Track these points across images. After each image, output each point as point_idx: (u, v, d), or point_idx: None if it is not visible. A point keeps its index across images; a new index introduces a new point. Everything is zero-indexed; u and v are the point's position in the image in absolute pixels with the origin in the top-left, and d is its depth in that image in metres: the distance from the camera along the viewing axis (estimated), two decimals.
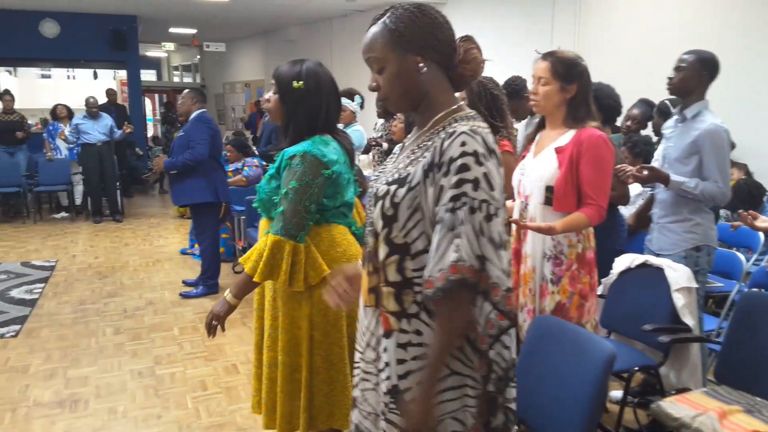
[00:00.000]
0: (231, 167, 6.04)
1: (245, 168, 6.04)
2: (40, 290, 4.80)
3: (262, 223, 2.10)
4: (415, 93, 1.34)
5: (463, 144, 1.23)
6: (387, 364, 1.32)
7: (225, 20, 10.84)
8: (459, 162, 1.22)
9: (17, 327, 4.00)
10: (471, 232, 1.19)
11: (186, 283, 5.02)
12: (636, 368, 2.47)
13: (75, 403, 3.05)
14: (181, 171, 4.53)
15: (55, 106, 8.44)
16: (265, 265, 1.91)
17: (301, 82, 1.97)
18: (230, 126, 13.90)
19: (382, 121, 6.20)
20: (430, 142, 1.30)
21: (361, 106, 4.76)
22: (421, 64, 1.30)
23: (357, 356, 1.48)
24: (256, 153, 6.68)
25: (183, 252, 6.15)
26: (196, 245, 6.09)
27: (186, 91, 4.72)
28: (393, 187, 1.30)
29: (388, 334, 1.33)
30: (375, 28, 1.33)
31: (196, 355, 3.68)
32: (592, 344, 1.86)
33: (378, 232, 1.32)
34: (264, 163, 6.24)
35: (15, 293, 4.71)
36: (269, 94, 2.11)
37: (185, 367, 3.50)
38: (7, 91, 8.24)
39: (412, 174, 1.28)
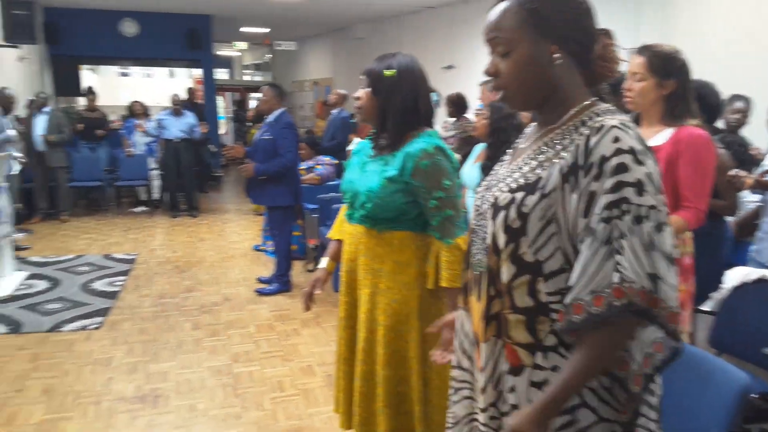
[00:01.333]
0: (304, 165, 6.03)
1: (318, 166, 6.02)
2: (121, 283, 4.92)
3: (356, 231, 1.97)
4: (541, 86, 1.14)
5: (617, 140, 1.03)
6: (515, 407, 1.13)
7: (296, 19, 10.93)
8: (614, 162, 1.02)
9: (100, 319, 4.09)
10: (639, 245, 0.99)
11: (260, 280, 5.03)
12: (756, 395, 2.23)
13: (156, 399, 3.06)
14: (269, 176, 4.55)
15: (133, 103, 8.73)
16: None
17: (392, 70, 1.87)
18: (299, 124, 14.04)
19: (453, 119, 6.06)
20: (565, 141, 1.11)
21: (437, 104, 4.64)
22: (556, 54, 1.11)
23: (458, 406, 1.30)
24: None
25: (256, 248, 6.19)
26: (269, 242, 6.14)
27: (267, 87, 4.71)
28: (519, 195, 1.11)
29: (516, 371, 1.13)
30: (507, 3, 1.14)
31: (273, 354, 3.64)
32: (722, 373, 1.65)
33: (500, 248, 1.13)
34: (335, 160, 6.20)
35: (98, 285, 4.84)
36: (360, 91, 1.99)
37: (262, 366, 3.47)
38: (90, 89, 8.58)
39: (544, 178, 1.09)
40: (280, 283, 4.80)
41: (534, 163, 1.14)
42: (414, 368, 1.89)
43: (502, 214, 1.13)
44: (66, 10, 9.92)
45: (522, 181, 1.13)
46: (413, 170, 1.81)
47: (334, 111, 6.96)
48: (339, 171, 5.91)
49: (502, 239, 1.13)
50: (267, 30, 12.29)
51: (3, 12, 7.29)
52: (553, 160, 1.11)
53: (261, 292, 4.74)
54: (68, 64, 10.34)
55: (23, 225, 7.04)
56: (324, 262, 2.15)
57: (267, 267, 5.50)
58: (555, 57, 1.12)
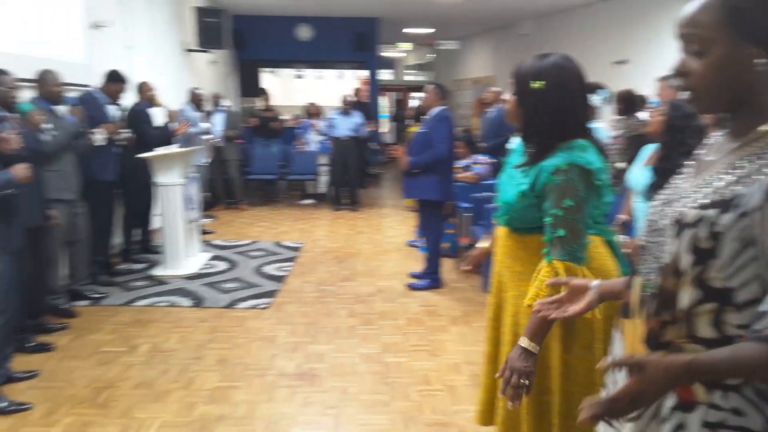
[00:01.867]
0: (460, 164, 6.03)
1: (474, 165, 5.99)
2: (288, 268, 5.31)
3: (501, 233, 1.94)
4: (736, 92, 1.02)
5: None
6: None
7: (459, 18, 10.95)
8: None
9: (269, 300, 4.46)
10: None
11: (412, 275, 5.13)
12: None
13: (313, 378, 3.27)
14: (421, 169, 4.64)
15: (308, 105, 9.36)
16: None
17: (541, 82, 1.72)
18: (458, 123, 14.06)
19: (621, 117, 5.65)
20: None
21: (606, 101, 4.38)
22: (758, 60, 0.98)
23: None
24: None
25: (410, 244, 6.33)
26: (421, 238, 6.24)
27: (430, 86, 4.80)
28: (712, 212, 0.99)
29: (687, 407, 1.03)
30: None
31: (420, 348, 3.70)
32: None
33: (682, 270, 1.02)
34: (492, 159, 6.12)
35: (268, 269, 5.27)
36: (508, 95, 1.93)
37: (410, 359, 3.54)
38: (263, 90, 9.40)
39: (745, 196, 0.97)
40: (431, 279, 4.86)
41: (730, 177, 1.02)
42: (555, 379, 1.81)
43: (689, 233, 1.02)
44: (251, 18, 10.93)
45: (715, 197, 1.02)
46: (543, 186, 1.72)
47: (491, 110, 6.87)
48: (496, 170, 5.82)
49: (686, 260, 1.02)
50: (430, 30, 12.48)
51: (197, 20, 8.22)
52: (754, 176, 0.98)
53: (412, 287, 4.84)
54: (251, 67, 11.40)
55: (209, 212, 7.90)
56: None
57: (419, 262, 5.59)
58: (756, 63, 0.99)
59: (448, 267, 5.23)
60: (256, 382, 3.20)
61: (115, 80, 4.72)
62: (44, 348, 3.50)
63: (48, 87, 3.80)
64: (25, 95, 3.91)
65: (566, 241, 1.69)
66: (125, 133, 4.71)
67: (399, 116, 15.10)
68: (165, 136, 5.29)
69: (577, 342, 1.76)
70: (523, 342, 1.64)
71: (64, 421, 2.77)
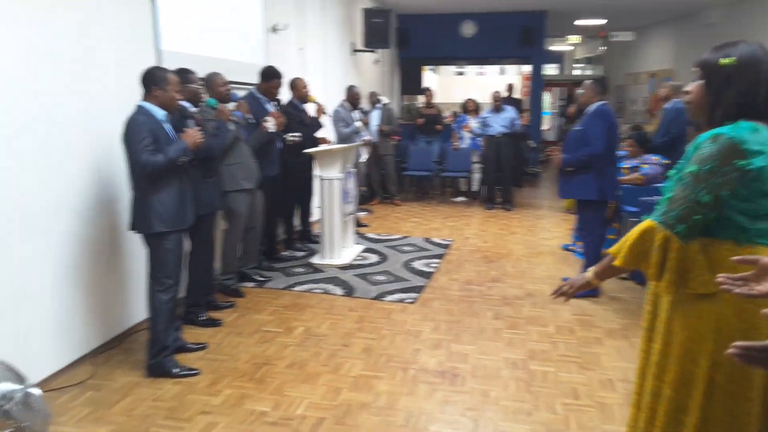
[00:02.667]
0: (627, 164, 5.61)
1: (643, 165, 5.53)
2: (436, 265, 5.34)
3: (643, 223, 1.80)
4: None
5: None
6: None
7: (636, 7, 10.17)
8: None
9: (415, 295, 4.51)
10: None
11: (565, 281, 4.88)
12: None
13: (454, 377, 3.25)
14: (576, 167, 4.41)
15: (466, 101, 9.30)
16: (629, 250, 1.68)
17: (731, 59, 1.62)
18: (629, 119, 13.11)
19: None
20: None
21: None
22: None
23: None
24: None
25: (565, 248, 6.03)
26: (578, 242, 5.90)
27: (588, 81, 4.53)
28: None
29: None
30: None
31: (570, 359, 3.51)
32: None
33: None
34: (665, 160, 5.60)
35: (417, 265, 5.34)
36: (690, 85, 1.75)
37: (558, 369, 3.37)
38: (427, 88, 9.46)
39: None
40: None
41: None
42: (696, 398, 1.60)
43: None
44: (415, 17, 11.12)
45: None
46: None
47: (667, 105, 6.27)
48: (668, 171, 5.32)
49: None
50: (603, 21, 11.76)
51: (364, 21, 8.53)
52: None
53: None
54: (413, 66, 11.60)
55: (365, 205, 8.21)
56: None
57: (574, 268, 5.32)
58: None
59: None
60: (399, 375, 3.26)
61: (269, 77, 4.90)
62: (214, 323, 3.88)
63: (216, 88, 4.15)
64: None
65: (668, 203, 1.61)
66: (294, 136, 4.98)
67: (564, 112, 14.47)
68: (312, 132, 5.52)
69: (732, 361, 1.56)
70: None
71: (225, 392, 3.04)
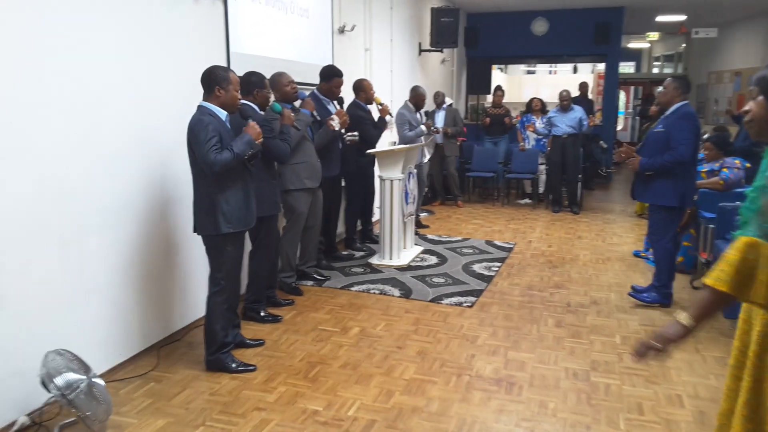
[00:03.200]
0: (706, 167, 5.29)
1: (724, 169, 5.19)
2: (497, 269, 5.22)
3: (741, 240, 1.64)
4: None
5: None
6: None
7: (720, 2, 9.60)
8: None
9: (473, 299, 4.43)
10: None
11: (635, 289, 4.66)
12: None
13: (510, 386, 3.15)
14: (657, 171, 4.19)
15: (531, 100, 9.06)
16: (735, 272, 1.51)
17: None
18: (710, 120, 12.41)
19: None
20: None
21: None
22: None
23: None
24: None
25: (636, 254, 5.76)
26: (651, 249, 5.63)
27: (669, 79, 4.28)
28: None
29: None
30: None
31: (636, 371, 3.33)
32: None
33: None
34: (747, 164, 5.25)
35: (476, 268, 5.24)
36: (749, 104, 1.63)
37: (622, 382, 3.21)
38: (498, 87, 9.27)
39: None
40: (659, 294, 4.35)
41: None
42: None
43: None
44: (484, 15, 10.96)
45: None
46: None
47: None
48: (750, 176, 4.98)
49: None
50: (684, 17, 11.18)
51: (432, 20, 8.47)
52: None
53: (635, 297, 4.38)
54: (481, 65, 11.43)
55: (427, 206, 8.15)
56: (683, 317, 1.70)
57: (645, 276, 5.07)
58: None
59: (680, 284, 4.63)
60: (453, 380, 3.19)
61: (330, 76, 4.88)
62: (274, 319, 3.95)
63: (281, 87, 4.20)
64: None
65: (763, 215, 1.49)
66: (351, 136, 4.99)
67: (644, 112, 13.90)
68: (382, 130, 5.51)
69: None
70: (682, 316, 1.67)
71: (279, 389, 3.08)
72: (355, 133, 4.96)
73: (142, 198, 3.34)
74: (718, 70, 12.88)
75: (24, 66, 2.60)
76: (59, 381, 2.40)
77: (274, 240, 3.96)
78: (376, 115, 5.54)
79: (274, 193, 3.86)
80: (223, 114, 3.12)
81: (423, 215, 7.50)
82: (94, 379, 2.58)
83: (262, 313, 3.95)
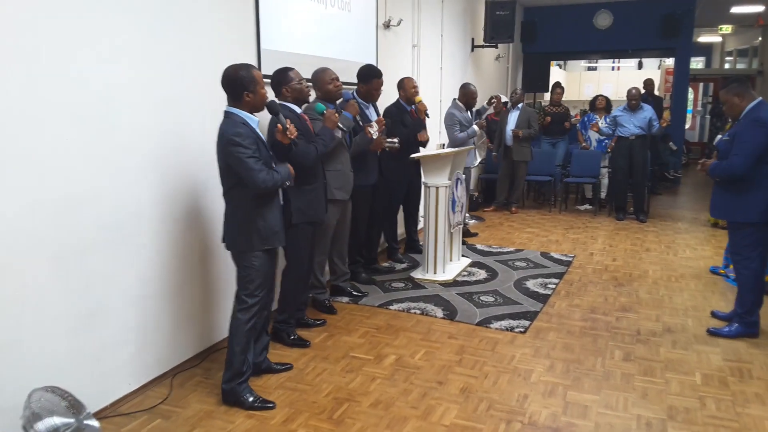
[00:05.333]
0: None
1: None
2: (554, 286, 4.69)
3: None
4: None
5: None
6: None
7: None
8: None
9: (527, 323, 3.93)
10: None
11: (715, 315, 4.06)
12: None
13: None
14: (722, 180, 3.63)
15: (595, 97, 8.39)
16: None
17: None
18: None
19: None
20: None
21: None
22: None
23: None
24: None
25: (713, 271, 5.10)
26: (731, 266, 4.98)
27: (722, 92, 3.68)
28: None
29: None
30: None
31: (723, 422, 2.78)
32: None
33: None
34: None
35: (530, 284, 4.73)
36: None
37: None
38: (557, 84, 8.65)
39: None
40: (743, 323, 3.75)
41: None
42: None
43: None
44: (542, 8, 10.34)
45: None
46: None
47: None
48: None
49: None
50: (763, 8, 10.24)
51: (487, 14, 7.94)
52: None
53: (715, 333, 3.79)
54: (539, 61, 10.78)
55: (478, 212, 7.64)
56: None
57: (725, 298, 4.44)
58: None
59: (767, 309, 3.99)
60: (501, 428, 2.73)
61: (368, 77, 4.43)
62: (302, 343, 3.57)
63: (324, 85, 3.83)
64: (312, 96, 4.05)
65: None
66: (390, 142, 4.54)
67: (716, 111, 12.94)
68: (417, 131, 5.05)
69: None
70: None
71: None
72: (395, 140, 4.52)
73: (157, 209, 3.02)
74: None
75: (18, 65, 2.30)
76: (41, 427, 2.09)
77: (309, 255, 3.58)
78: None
79: (312, 199, 3.46)
80: (254, 121, 2.79)
81: (472, 222, 7.01)
82: (86, 421, 2.26)
83: (292, 337, 3.58)
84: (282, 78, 3.35)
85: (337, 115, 3.48)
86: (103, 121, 2.68)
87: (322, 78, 3.84)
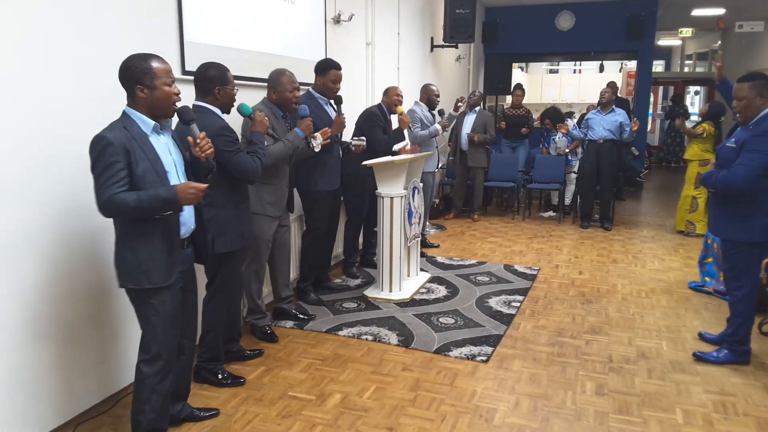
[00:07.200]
0: None
1: None
2: (518, 304, 4.32)
3: None
4: None
5: None
6: None
7: None
8: None
9: (490, 350, 3.54)
10: None
11: (703, 338, 3.73)
12: None
13: None
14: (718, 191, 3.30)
15: (546, 110, 8.16)
16: None
17: None
18: None
19: None
20: None
21: None
22: None
23: None
24: None
25: (692, 287, 4.79)
26: (708, 279, 4.72)
27: (746, 85, 3.25)
28: None
29: None
30: None
31: None
32: None
33: None
34: None
35: (493, 302, 4.35)
36: None
37: None
38: (518, 86, 8.35)
39: None
40: (733, 352, 3.40)
41: None
42: None
43: None
44: (504, 9, 10.07)
45: None
46: None
47: None
48: None
49: None
50: (723, 11, 10.20)
51: (447, 12, 7.58)
52: None
53: (701, 358, 3.46)
54: (501, 63, 10.49)
55: (437, 220, 7.26)
56: None
57: (700, 316, 4.16)
58: None
59: (755, 332, 3.68)
60: None
61: (324, 69, 4.03)
62: (234, 381, 3.09)
63: (284, 93, 3.42)
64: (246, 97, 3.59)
65: None
66: (358, 140, 4.15)
67: (674, 113, 12.89)
68: (392, 143, 4.68)
69: None
70: None
71: None
72: (362, 138, 4.09)
73: (52, 231, 2.51)
74: (761, 68, 11.80)
75: None
76: None
77: (237, 282, 3.10)
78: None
79: (240, 222, 2.99)
80: (148, 125, 2.26)
81: (431, 231, 6.62)
82: None
83: (220, 376, 3.09)
84: (217, 77, 2.86)
85: (267, 119, 3.02)
86: None
87: (281, 82, 3.43)
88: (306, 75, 4.24)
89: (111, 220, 2.26)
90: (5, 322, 2.34)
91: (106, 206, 2.11)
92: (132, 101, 2.26)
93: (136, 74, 2.20)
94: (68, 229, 2.59)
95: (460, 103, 6.47)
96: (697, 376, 3.28)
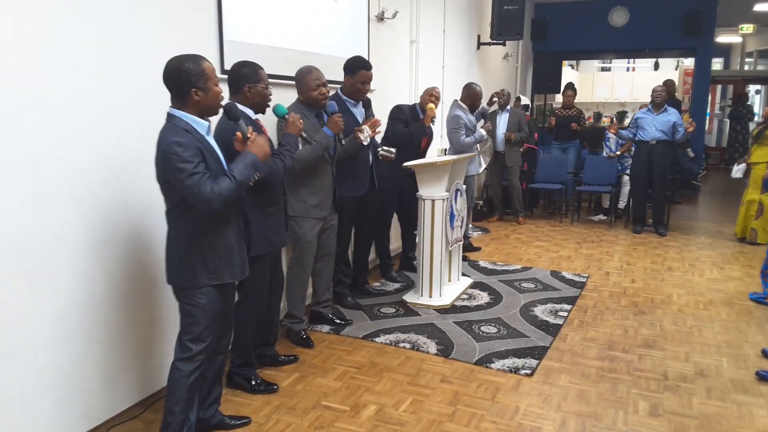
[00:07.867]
0: None
1: None
2: (565, 314, 4.12)
3: None
4: None
5: None
6: None
7: None
8: None
9: (534, 363, 3.36)
10: None
11: (767, 355, 3.47)
12: None
13: None
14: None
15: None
16: None
17: None
18: None
19: None
20: None
21: None
22: None
23: None
24: None
25: (754, 298, 4.48)
26: None
27: None
28: None
29: None
30: None
31: None
32: None
33: None
34: None
35: (539, 311, 4.16)
36: None
37: None
38: (569, 85, 8.07)
39: None
40: None
41: None
42: None
43: None
44: (554, 5, 9.78)
45: None
46: None
47: None
48: None
49: None
50: None
51: (494, 9, 7.36)
52: None
53: (764, 377, 3.20)
54: (550, 61, 10.18)
55: (481, 223, 7.07)
56: None
57: (763, 330, 3.86)
58: None
59: None
60: None
61: (353, 69, 3.80)
62: (267, 388, 3.01)
63: (309, 91, 3.32)
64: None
65: None
66: (386, 151, 3.97)
67: (737, 114, 12.30)
68: (417, 135, 4.51)
69: None
70: None
71: None
72: (392, 150, 3.95)
73: (83, 232, 2.48)
74: None
75: None
76: None
77: (264, 287, 3.01)
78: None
79: (267, 226, 2.88)
80: (203, 126, 2.24)
81: (475, 234, 6.44)
82: None
83: (253, 382, 3.02)
84: (248, 74, 2.76)
85: (301, 121, 2.92)
86: (6, 128, 2.15)
87: (306, 80, 3.33)
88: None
89: (148, 221, 2.21)
90: (36, 324, 2.32)
91: (210, 199, 2.14)
92: (182, 103, 2.21)
93: (192, 78, 2.17)
94: (106, 229, 2.56)
95: (495, 98, 6.29)
96: (760, 397, 3.02)
